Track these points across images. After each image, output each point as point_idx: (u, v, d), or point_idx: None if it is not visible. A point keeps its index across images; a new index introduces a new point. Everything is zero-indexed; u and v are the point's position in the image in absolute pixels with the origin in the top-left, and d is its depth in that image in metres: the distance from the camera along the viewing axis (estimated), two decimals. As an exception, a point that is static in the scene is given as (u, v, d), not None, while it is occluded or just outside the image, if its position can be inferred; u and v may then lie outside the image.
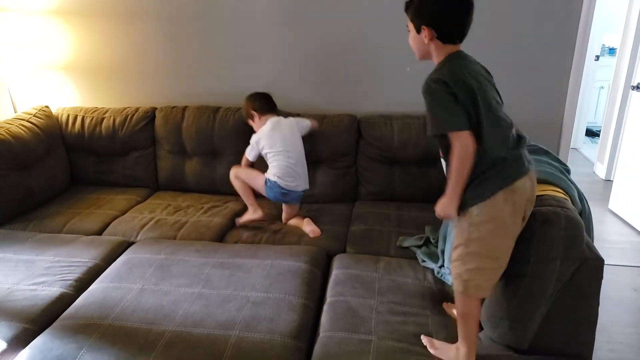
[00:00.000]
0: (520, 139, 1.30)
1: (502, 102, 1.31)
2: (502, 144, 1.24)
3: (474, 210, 1.24)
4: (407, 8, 1.32)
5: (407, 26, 1.33)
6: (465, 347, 1.30)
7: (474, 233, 1.26)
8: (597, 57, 4.81)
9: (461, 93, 1.20)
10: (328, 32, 2.51)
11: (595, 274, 1.33)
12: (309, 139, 2.34)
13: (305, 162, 2.22)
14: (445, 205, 1.26)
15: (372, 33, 2.48)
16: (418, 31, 1.29)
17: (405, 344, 1.38)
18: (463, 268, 1.28)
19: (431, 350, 1.35)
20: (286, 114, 2.38)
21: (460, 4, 1.25)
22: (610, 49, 4.92)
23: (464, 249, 1.28)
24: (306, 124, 2.30)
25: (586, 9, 2.36)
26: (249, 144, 2.26)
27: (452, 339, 1.38)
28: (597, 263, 1.32)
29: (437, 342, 1.37)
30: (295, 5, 2.49)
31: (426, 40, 1.28)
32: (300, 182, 2.18)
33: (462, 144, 1.19)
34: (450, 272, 1.42)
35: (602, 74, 4.80)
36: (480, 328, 1.43)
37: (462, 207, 1.26)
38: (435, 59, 1.30)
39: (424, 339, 1.39)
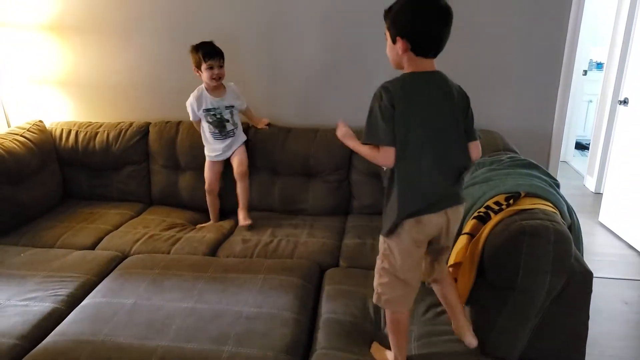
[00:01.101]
0: (459, 177, 1.31)
1: (465, 133, 1.29)
2: (424, 173, 1.24)
3: (384, 231, 1.31)
4: (386, 16, 1.29)
5: (385, 34, 1.31)
6: (393, 354, 1.39)
7: (386, 251, 1.33)
8: (585, 72, 4.91)
9: (400, 110, 1.21)
10: (320, 48, 2.55)
11: (584, 288, 1.35)
12: (301, 152, 2.37)
13: None
14: (344, 139, 1.39)
15: (366, 48, 2.53)
16: (393, 41, 1.26)
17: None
18: (377, 281, 1.36)
19: (374, 355, 1.44)
20: (278, 128, 2.44)
21: (438, 18, 1.22)
22: (598, 64, 5.03)
23: (380, 263, 1.36)
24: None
25: (572, 25, 2.43)
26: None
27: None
28: (586, 277, 1.34)
29: (380, 348, 1.46)
30: (286, 22, 2.53)
31: (400, 52, 1.25)
32: None
33: (384, 156, 1.23)
34: None
35: (590, 88, 4.90)
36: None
37: (382, 221, 1.32)
38: (406, 70, 1.29)
39: (373, 347, 1.47)
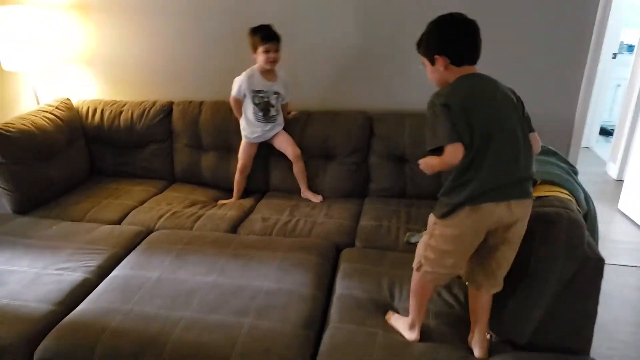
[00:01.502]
0: (525, 169, 1.31)
1: (522, 130, 1.32)
2: (490, 166, 1.26)
3: (438, 213, 1.34)
4: (418, 47, 1.43)
5: (423, 63, 1.42)
6: (410, 318, 1.46)
7: (435, 231, 1.36)
8: (615, 55, 4.76)
9: (453, 106, 1.26)
10: (340, 31, 2.55)
11: (596, 274, 1.37)
12: (321, 135, 2.40)
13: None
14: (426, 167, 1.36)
15: (384, 31, 2.52)
16: (432, 63, 1.37)
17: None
18: (422, 252, 1.41)
19: (389, 321, 1.52)
20: (299, 111, 2.51)
21: (462, 28, 1.33)
22: (629, 46, 4.86)
23: (428, 239, 1.40)
24: None
25: (603, 5, 2.35)
26: None
27: (453, 329, 1.48)
28: (598, 263, 1.36)
29: (395, 315, 1.54)
30: (309, 3, 2.53)
31: (442, 69, 1.34)
32: None
33: (451, 154, 1.24)
34: None
35: (620, 72, 4.75)
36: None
37: (437, 204, 1.35)
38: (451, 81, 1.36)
39: (388, 314, 1.54)
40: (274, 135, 2.42)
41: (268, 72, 2.32)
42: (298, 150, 2.41)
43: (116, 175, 2.70)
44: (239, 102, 2.37)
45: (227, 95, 2.66)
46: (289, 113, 2.53)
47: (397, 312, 1.56)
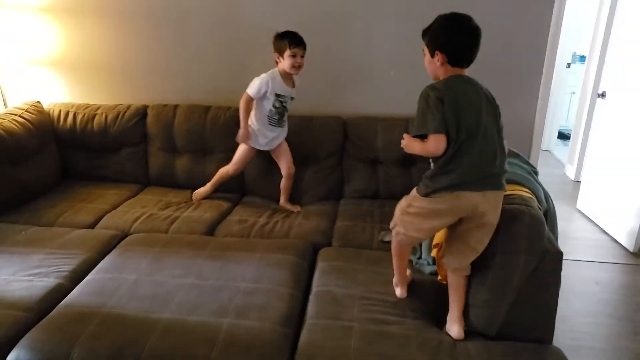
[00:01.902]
0: (499, 164, 1.45)
1: (498, 131, 1.46)
2: (471, 160, 1.40)
3: (421, 191, 1.48)
4: (424, 35, 1.51)
5: (423, 50, 1.52)
6: (395, 278, 1.68)
7: (415, 202, 1.51)
8: (569, 65, 5.05)
9: (447, 102, 1.39)
10: (316, 38, 2.61)
11: (555, 266, 1.46)
12: (297, 139, 2.46)
13: None
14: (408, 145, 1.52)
15: (358, 39, 2.60)
16: (432, 55, 1.48)
17: (384, 326, 1.51)
18: (399, 215, 1.57)
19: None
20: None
21: (470, 35, 1.45)
22: (581, 57, 5.16)
23: (406, 205, 1.54)
24: None
25: (555, 20, 2.53)
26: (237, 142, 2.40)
27: (427, 319, 1.57)
28: (557, 256, 1.45)
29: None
30: (284, 9, 2.58)
31: (438, 64, 1.46)
32: None
33: (434, 144, 1.40)
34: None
35: (574, 80, 5.05)
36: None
37: (421, 182, 1.49)
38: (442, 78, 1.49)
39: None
40: (279, 147, 2.41)
41: (288, 77, 2.29)
42: (293, 168, 2.42)
43: (89, 179, 2.67)
44: (251, 103, 2.29)
45: (201, 98, 2.70)
46: None
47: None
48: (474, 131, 1.39)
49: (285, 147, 2.42)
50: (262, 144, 2.36)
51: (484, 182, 1.41)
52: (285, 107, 2.31)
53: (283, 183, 2.43)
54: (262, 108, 2.29)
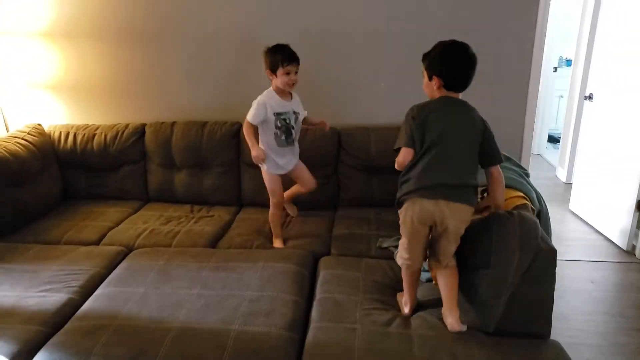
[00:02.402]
0: (463, 182, 1.52)
1: (472, 151, 1.55)
2: (424, 169, 1.51)
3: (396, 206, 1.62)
4: (424, 59, 1.62)
5: (422, 73, 1.63)
6: (404, 296, 1.70)
7: (400, 220, 1.61)
8: (555, 69, 5.18)
9: (418, 119, 1.54)
10: (310, 50, 2.69)
11: (549, 263, 1.52)
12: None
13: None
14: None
15: (350, 51, 2.69)
16: (430, 79, 1.60)
17: (385, 328, 1.56)
18: (400, 242, 1.66)
19: (398, 298, 1.76)
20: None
21: (467, 64, 1.56)
22: (567, 61, 5.30)
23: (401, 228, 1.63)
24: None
25: (540, 26, 2.62)
26: (235, 155, 2.45)
27: (427, 320, 1.59)
28: (550, 253, 1.51)
29: (400, 293, 1.76)
30: (276, 25, 2.67)
31: (435, 87, 1.59)
32: None
33: (401, 156, 1.57)
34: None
35: (561, 84, 5.16)
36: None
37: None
38: None
39: (399, 294, 1.77)
40: (296, 166, 2.30)
41: (284, 92, 2.17)
42: (315, 183, 2.36)
43: (90, 197, 2.72)
44: (253, 128, 2.14)
45: (197, 115, 2.77)
46: (315, 124, 2.37)
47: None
48: (435, 143, 1.50)
49: (302, 166, 2.32)
50: (279, 167, 2.23)
51: (435, 191, 1.50)
52: (288, 124, 2.17)
53: (298, 188, 2.39)
54: (267, 131, 2.17)
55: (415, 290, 1.70)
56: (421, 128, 1.52)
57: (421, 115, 1.54)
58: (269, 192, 2.25)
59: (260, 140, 2.19)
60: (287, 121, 2.17)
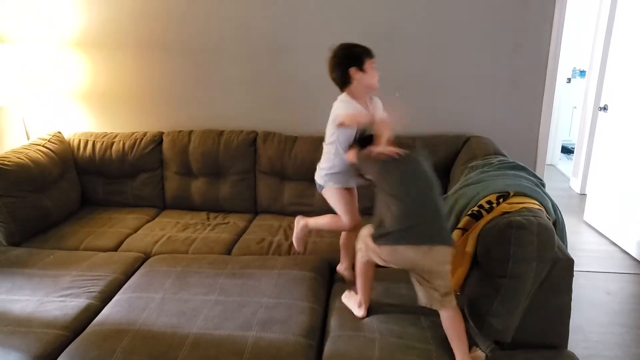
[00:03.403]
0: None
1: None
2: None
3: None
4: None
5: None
6: (359, 297, 1.70)
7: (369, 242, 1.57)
8: (569, 80, 5.16)
9: None
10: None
11: (566, 273, 1.52)
12: (308, 158, 2.54)
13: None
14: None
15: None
16: None
17: (405, 340, 1.56)
18: (364, 238, 1.61)
19: (343, 299, 1.77)
20: (285, 136, 2.64)
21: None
22: (581, 71, 5.27)
23: (365, 237, 1.60)
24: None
25: (555, 37, 2.64)
26: (251, 164, 2.51)
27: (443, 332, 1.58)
28: (567, 263, 1.51)
29: (348, 292, 1.79)
30: (293, 31, 2.69)
31: None
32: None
33: None
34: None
35: (575, 95, 5.14)
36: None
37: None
38: None
39: (345, 293, 1.79)
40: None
41: (362, 98, 1.79)
42: (359, 220, 1.91)
43: (107, 205, 2.77)
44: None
45: (214, 124, 2.81)
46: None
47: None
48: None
49: (355, 191, 1.99)
50: (350, 180, 1.91)
51: (414, 233, 1.48)
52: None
53: (344, 239, 1.95)
54: (343, 141, 1.81)
55: (371, 287, 1.68)
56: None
57: None
58: (341, 214, 1.85)
59: (333, 151, 1.84)
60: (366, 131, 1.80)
